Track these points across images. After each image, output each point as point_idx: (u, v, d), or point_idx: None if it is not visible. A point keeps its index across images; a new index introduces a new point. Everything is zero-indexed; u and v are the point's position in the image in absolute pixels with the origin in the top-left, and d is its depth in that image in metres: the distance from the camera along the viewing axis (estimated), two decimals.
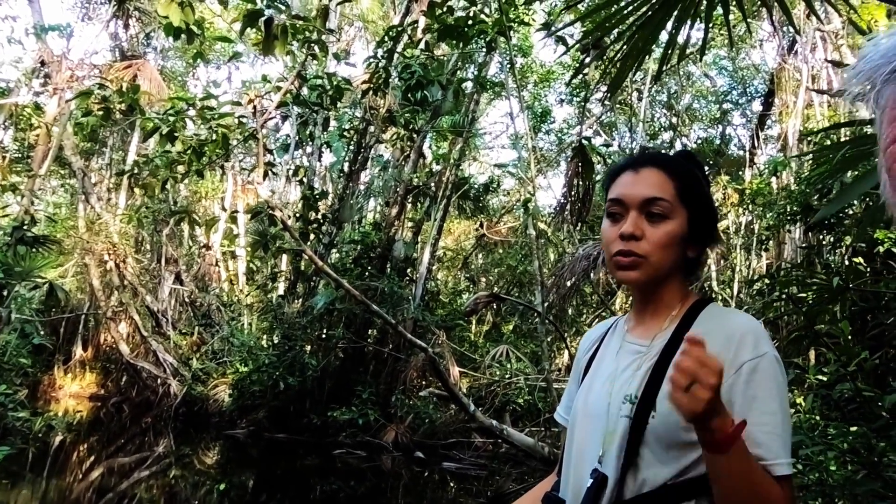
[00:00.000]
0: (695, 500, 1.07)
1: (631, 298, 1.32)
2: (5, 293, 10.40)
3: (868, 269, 6.66)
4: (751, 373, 1.06)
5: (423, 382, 11.20)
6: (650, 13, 2.76)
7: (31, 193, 12.15)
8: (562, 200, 6.81)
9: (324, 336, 10.77)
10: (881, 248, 6.93)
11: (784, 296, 7.84)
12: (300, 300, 11.71)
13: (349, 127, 12.87)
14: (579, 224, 7.75)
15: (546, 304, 8.59)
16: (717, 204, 11.46)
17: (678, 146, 14.07)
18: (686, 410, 0.93)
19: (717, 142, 13.96)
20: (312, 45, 6.41)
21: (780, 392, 1.07)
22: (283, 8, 5.59)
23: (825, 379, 5.56)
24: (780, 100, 10.92)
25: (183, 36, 4.96)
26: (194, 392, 12.04)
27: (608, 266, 1.24)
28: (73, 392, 14.77)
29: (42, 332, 13.89)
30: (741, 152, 12.35)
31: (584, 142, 5.89)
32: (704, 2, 2.65)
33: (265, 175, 7.41)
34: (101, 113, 5.93)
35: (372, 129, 12.42)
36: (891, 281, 6.16)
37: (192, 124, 6.43)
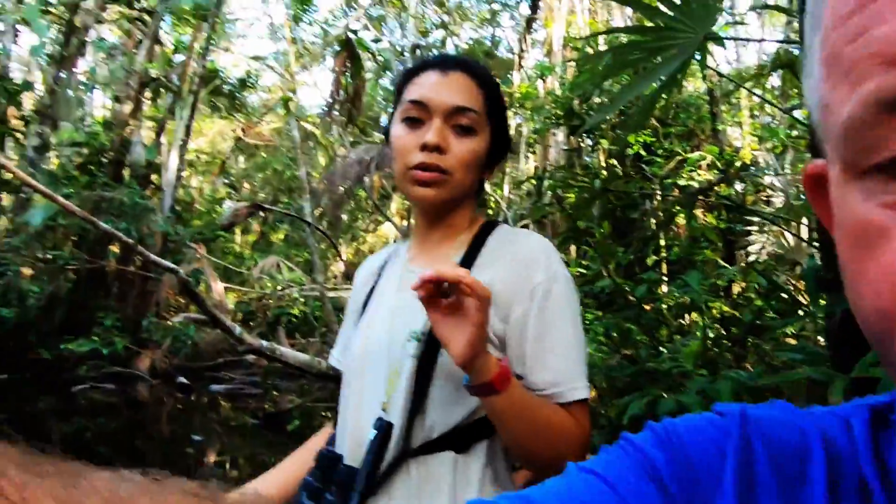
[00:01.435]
0: (487, 441, 1.05)
1: (412, 215, 1.23)
2: None
3: (620, 170, 7.73)
4: (544, 296, 1.05)
5: (182, 301, 10.62)
6: None
7: None
8: (329, 99, 6.71)
9: (48, 258, 9.57)
10: (631, 151, 8.07)
11: (550, 196, 8.80)
12: (9, 216, 10.19)
13: (55, 1, 11.11)
14: (350, 125, 7.73)
15: (318, 212, 8.57)
16: None
17: (450, 45, 14.49)
18: (464, 346, 0.91)
19: (488, 44, 14.68)
20: None
21: (574, 313, 1.08)
22: None
23: (586, 272, 6.43)
24: (545, 4, 11.73)
25: None
26: None
27: (400, 178, 1.13)
28: None
29: None
30: (510, 55, 13.15)
31: (351, 36, 5.79)
32: None
33: None
34: None
35: (88, 4, 10.84)
36: (638, 181, 7.24)
37: None
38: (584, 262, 6.94)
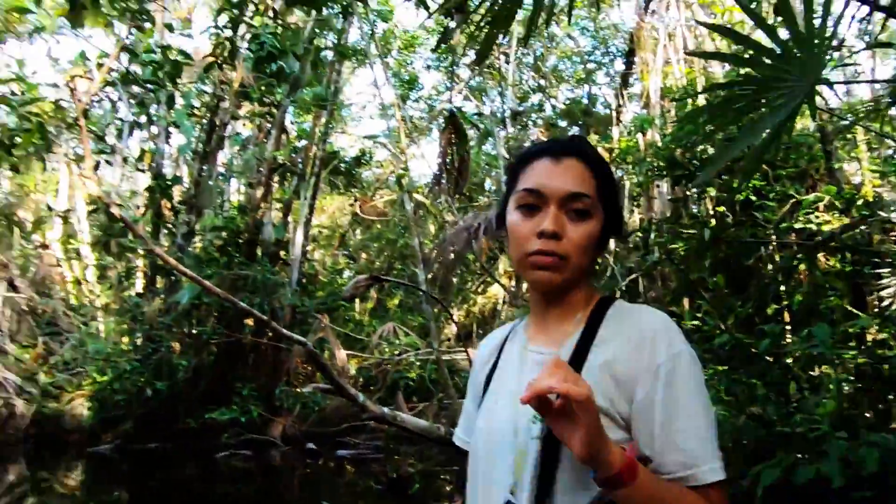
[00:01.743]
0: None
1: (521, 281, 1.24)
2: None
3: (731, 218, 7.27)
4: (669, 376, 1.02)
5: (309, 369, 10.97)
6: None
7: None
8: (437, 172, 6.82)
9: (193, 333, 10.21)
10: (740, 196, 7.59)
11: (658, 249, 8.40)
12: (161, 297, 11.01)
13: (198, 104, 12.13)
14: (457, 194, 7.83)
15: (429, 277, 8.65)
16: None
17: (547, 108, 14.56)
18: (581, 446, 0.90)
19: (585, 101, 14.61)
20: (135, 15, 5.86)
21: (701, 390, 1.04)
22: None
23: (700, 325, 6.01)
24: (640, 58, 11.55)
25: None
26: (46, 410, 11.03)
27: (518, 263, 1.14)
28: None
29: None
30: (607, 111, 12.99)
31: (454, 111, 5.89)
32: None
33: (96, 166, 6.77)
34: None
35: (225, 104, 11.77)
36: (750, 228, 6.78)
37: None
38: (699, 315, 6.53)
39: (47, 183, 15.80)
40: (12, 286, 13.84)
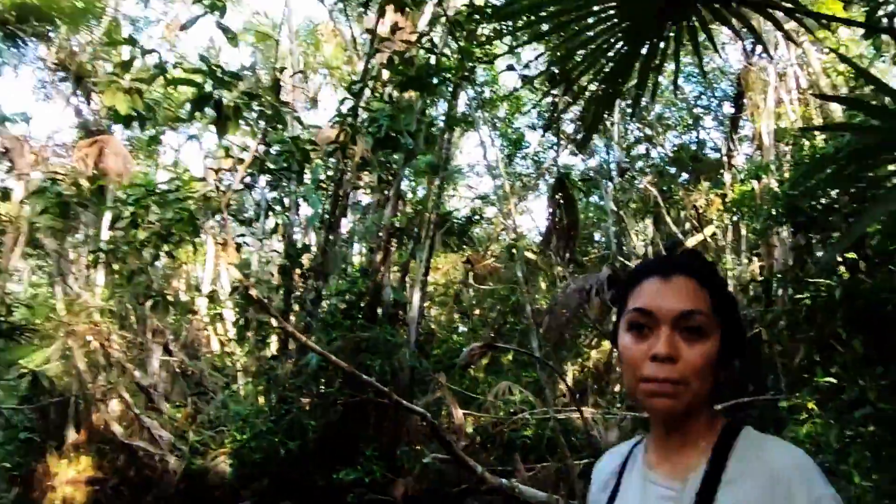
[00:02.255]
0: None
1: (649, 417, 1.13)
2: None
3: (862, 266, 6.58)
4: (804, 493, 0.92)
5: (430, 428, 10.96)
6: (619, 52, 2.70)
7: (3, 282, 11.91)
8: (546, 232, 6.75)
9: (321, 393, 10.53)
10: (872, 242, 6.88)
11: (783, 300, 7.75)
12: (293, 359, 11.47)
13: (324, 177, 12.80)
14: (567, 253, 7.68)
15: (542, 332, 8.45)
16: (701, 211, 11.48)
17: (654, 155, 14.11)
18: None
19: (693, 147, 14.03)
20: (271, 118, 6.34)
21: None
22: (234, 86, 5.50)
23: (835, 383, 5.41)
24: (749, 101, 10.99)
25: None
26: (194, 466, 11.71)
27: (633, 388, 1.05)
28: (69, 478, 14.25)
29: (30, 421, 13.57)
30: (717, 155, 12.39)
31: (563, 177, 5.83)
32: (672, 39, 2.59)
33: (238, 248, 7.28)
34: (56, 211, 5.82)
35: (347, 177, 12.35)
36: (886, 276, 6.08)
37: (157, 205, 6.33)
38: (833, 371, 5.91)
39: (197, 253, 17.14)
40: (167, 350, 15.01)
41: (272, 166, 7.44)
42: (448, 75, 6.48)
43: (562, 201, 6.53)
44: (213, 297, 11.45)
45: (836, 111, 8.35)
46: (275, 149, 7.45)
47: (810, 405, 6.18)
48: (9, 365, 11.45)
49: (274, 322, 8.55)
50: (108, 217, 14.83)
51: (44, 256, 16.26)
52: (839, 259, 7.25)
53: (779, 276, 7.50)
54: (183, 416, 13.40)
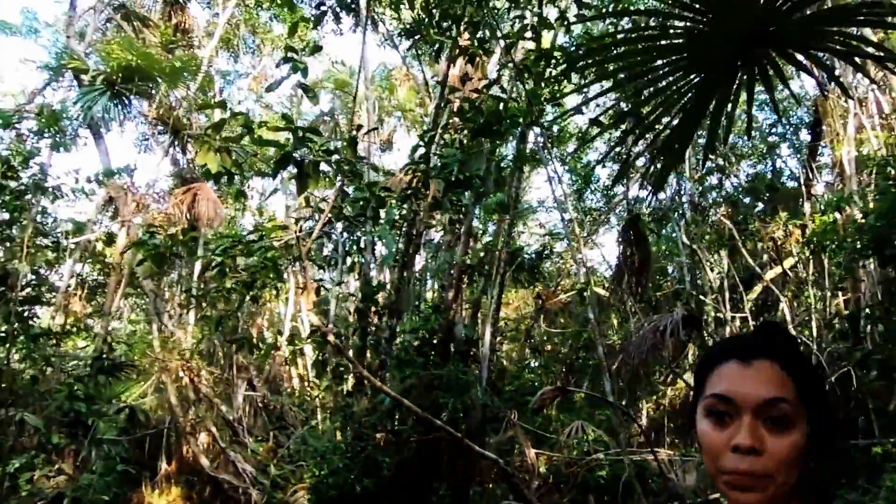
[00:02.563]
0: None
1: None
2: (90, 422, 10.61)
3: None
4: None
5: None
6: (690, 100, 2.65)
7: (107, 322, 12.68)
8: (617, 272, 6.61)
9: (395, 431, 10.55)
10: None
11: (869, 335, 7.23)
12: (368, 396, 11.58)
13: (397, 217, 13.06)
14: (639, 292, 7.48)
15: (615, 371, 8.20)
16: (779, 242, 10.95)
17: (728, 187, 13.61)
18: None
19: (769, 176, 13.44)
20: (346, 173, 6.58)
21: None
22: (313, 143, 5.74)
23: None
24: (828, 128, 10.49)
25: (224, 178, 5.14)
26: (274, 500, 11.93)
27: (714, 479, 0.99)
28: None
29: (126, 453, 14.26)
30: (795, 184, 11.81)
31: (635, 218, 5.72)
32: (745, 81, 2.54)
33: (317, 291, 7.48)
34: (155, 260, 6.22)
35: (420, 217, 12.54)
36: None
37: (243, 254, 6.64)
38: None
39: (279, 294, 17.72)
40: (251, 385, 15.51)
41: (349, 213, 7.67)
42: (517, 120, 6.53)
43: (633, 239, 6.38)
44: (292, 337, 11.77)
45: None
46: (351, 196, 7.70)
47: None
48: (109, 399, 12.10)
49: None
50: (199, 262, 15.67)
51: (141, 295, 17.26)
52: None
53: (867, 311, 7.02)
54: (265, 450, 13.75)
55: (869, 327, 7.28)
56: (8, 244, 9.14)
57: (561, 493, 9.79)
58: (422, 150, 7.49)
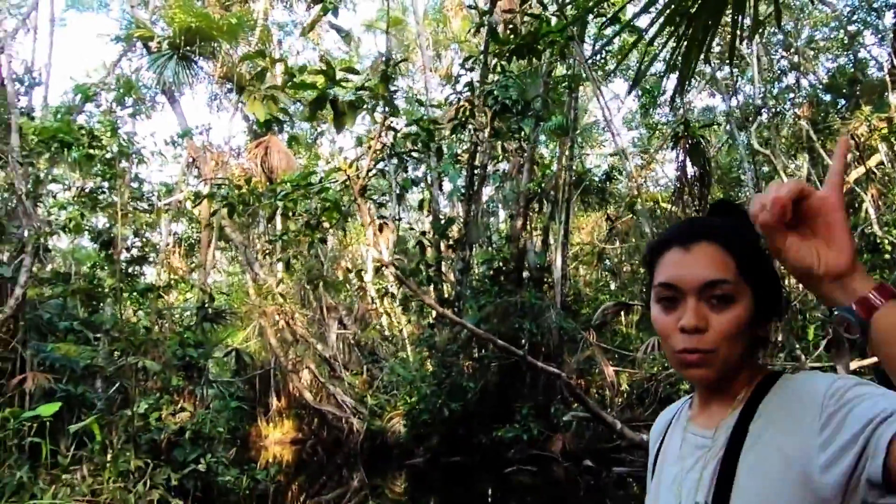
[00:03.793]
0: None
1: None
2: (202, 365, 11.59)
3: None
4: (838, 402, 0.87)
5: (582, 382, 11.05)
6: None
7: (205, 275, 13.63)
8: (676, 184, 6.47)
9: (477, 357, 10.98)
10: None
11: None
12: (449, 326, 12.04)
13: (461, 151, 13.09)
14: (702, 203, 7.30)
15: None
16: (863, 139, 10.20)
17: (805, 84, 12.69)
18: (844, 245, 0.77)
19: (851, 69, 12.38)
20: (384, 108, 6.65)
21: (883, 390, 0.85)
22: (348, 83, 5.84)
23: None
24: None
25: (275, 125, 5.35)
26: (373, 427, 12.75)
27: (670, 359, 1.06)
28: (276, 439, 16.17)
29: (240, 391, 15.54)
30: (881, 74, 10.85)
31: (685, 125, 5.55)
32: None
33: (380, 228, 7.75)
34: (225, 210, 6.63)
35: (481, 148, 12.54)
36: None
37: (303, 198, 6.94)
38: None
39: (359, 234, 18.31)
40: (342, 324, 16.38)
41: (400, 150, 7.82)
42: (556, 38, 6.34)
43: (689, 149, 6.19)
44: (359, 274, 12.21)
45: None
46: (401, 131, 7.81)
47: None
48: (215, 345, 13.16)
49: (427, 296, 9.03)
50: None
51: (233, 248, 18.32)
52: None
53: None
54: (361, 382, 14.64)
55: None
56: (109, 211, 9.92)
57: (644, 407, 9.97)
58: (466, 79, 7.45)
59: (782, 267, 0.85)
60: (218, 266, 20.69)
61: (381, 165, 8.22)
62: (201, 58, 14.65)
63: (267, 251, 15.22)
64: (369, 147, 7.82)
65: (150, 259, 12.78)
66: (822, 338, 7.45)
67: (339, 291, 13.66)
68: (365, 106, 6.23)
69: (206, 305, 12.52)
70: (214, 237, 13.72)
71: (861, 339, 0.78)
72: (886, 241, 8.57)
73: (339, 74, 6.16)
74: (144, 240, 12.28)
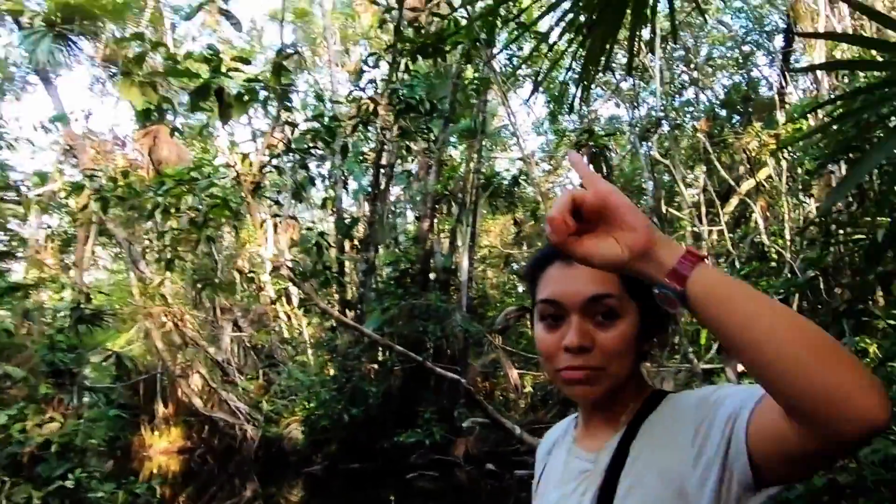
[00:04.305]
0: None
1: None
2: (75, 371, 10.69)
3: None
4: (704, 412, 0.86)
5: (487, 385, 11.10)
6: None
7: (81, 273, 12.60)
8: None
9: (381, 360, 10.78)
10: None
11: (839, 240, 7.35)
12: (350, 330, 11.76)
13: (367, 149, 12.86)
14: None
15: None
16: (754, 154, 10.92)
17: (703, 99, 13.45)
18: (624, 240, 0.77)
19: (745, 87, 13.28)
20: (277, 101, 6.37)
21: (742, 386, 0.88)
22: (236, 71, 5.53)
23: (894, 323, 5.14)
24: (801, 32, 10.29)
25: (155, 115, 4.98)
26: (269, 434, 12.27)
27: (553, 378, 1.02)
28: (162, 448, 15.23)
29: (122, 398, 14.50)
30: (771, 93, 11.70)
31: (590, 135, 5.62)
32: None
33: (275, 227, 7.42)
34: (98, 204, 6.06)
35: (388, 147, 12.35)
36: None
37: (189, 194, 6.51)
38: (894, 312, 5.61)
39: (256, 234, 17.60)
40: (237, 326, 15.65)
41: (298, 146, 7.51)
42: (461, 39, 6.32)
43: (588, 157, 6.31)
44: (250, 276, 11.71)
45: None
46: (302, 127, 7.52)
47: (872, 349, 5.90)
48: (92, 348, 12.18)
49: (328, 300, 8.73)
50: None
51: (118, 245, 17.10)
52: None
53: (834, 216, 7.10)
54: (256, 387, 14.02)
55: (840, 232, 7.38)
56: None
57: (546, 409, 10.12)
58: (370, 76, 7.29)
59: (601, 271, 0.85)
60: (99, 263, 19.29)
61: (277, 162, 7.84)
62: (82, 37, 13.59)
63: (151, 249, 14.30)
64: (269, 145, 7.46)
65: (18, 254, 11.67)
66: (714, 341, 7.84)
67: (230, 293, 12.99)
68: (256, 99, 5.90)
69: (82, 306, 11.56)
70: (93, 232, 12.71)
71: (683, 310, 0.78)
72: (773, 250, 9.15)
73: (231, 64, 5.80)
74: (11, 233, 11.19)
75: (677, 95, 12.94)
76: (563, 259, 0.99)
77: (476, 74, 11.08)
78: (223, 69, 5.50)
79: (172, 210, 6.06)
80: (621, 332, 0.95)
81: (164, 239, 7.15)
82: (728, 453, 0.82)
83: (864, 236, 6.12)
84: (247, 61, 5.85)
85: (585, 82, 2.71)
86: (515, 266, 15.09)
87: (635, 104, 13.02)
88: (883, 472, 3.58)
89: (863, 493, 3.76)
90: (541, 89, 15.11)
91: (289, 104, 6.72)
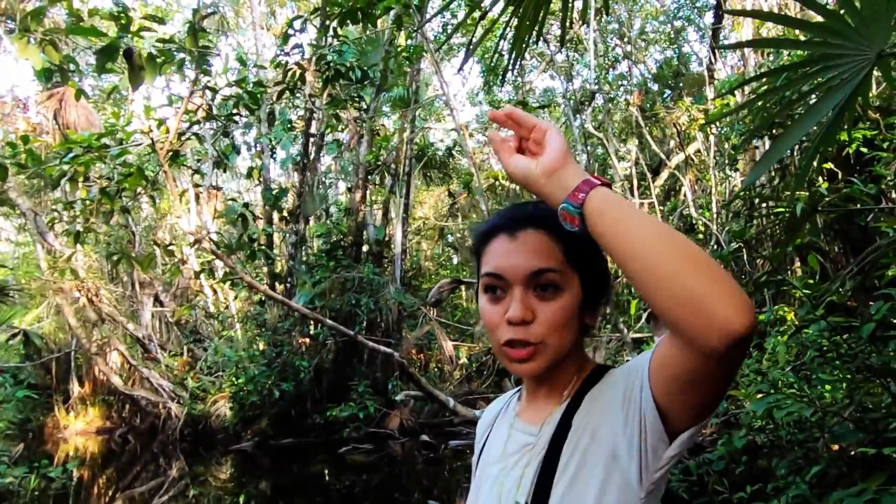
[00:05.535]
0: None
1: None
2: None
3: (842, 175, 6.55)
4: (631, 376, 0.92)
5: (422, 357, 11.19)
6: None
7: None
8: None
9: (311, 335, 10.66)
10: (850, 150, 6.81)
11: (762, 213, 7.75)
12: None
13: (296, 117, 12.52)
14: None
15: None
16: (683, 128, 11.32)
17: (636, 73, 13.77)
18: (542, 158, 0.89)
19: (676, 62, 13.67)
20: (195, 65, 6.08)
21: None
22: (149, 31, 5.22)
23: (809, 293, 5.46)
24: (730, 9, 10.63)
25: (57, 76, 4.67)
26: (195, 412, 11.99)
27: (496, 352, 1.03)
28: (79, 430, 14.66)
29: (32, 378, 13.81)
30: (701, 69, 12.10)
31: (524, 106, 5.65)
32: None
33: (197, 198, 7.14)
34: None
35: (317, 115, 12.06)
36: (860, 185, 6.05)
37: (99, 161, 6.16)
38: (811, 282, 5.97)
39: (179, 204, 16.91)
40: (158, 301, 15.12)
41: (220, 113, 7.22)
42: (392, 5, 6.20)
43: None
44: (168, 248, 11.29)
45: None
46: (223, 93, 7.22)
47: (789, 316, 6.26)
48: None
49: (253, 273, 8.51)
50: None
51: (22, 216, 16.10)
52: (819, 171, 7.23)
53: (758, 190, 7.46)
54: (180, 364, 13.63)
55: (764, 206, 7.76)
56: None
57: (481, 380, 10.31)
58: (295, 40, 7.07)
59: (510, 179, 0.95)
60: (1, 235, 18.14)
61: (197, 129, 7.51)
62: None
63: (59, 220, 13.50)
64: (189, 110, 7.12)
65: None
66: (644, 310, 8.16)
67: (149, 266, 12.48)
68: (171, 62, 5.59)
69: None
70: None
71: (581, 228, 0.84)
72: (700, 222, 9.54)
73: (142, 24, 5.47)
74: None
75: (611, 69, 13.18)
76: (507, 232, 1.01)
77: (409, 42, 10.92)
78: (134, 28, 5.18)
79: (81, 179, 5.70)
80: (562, 306, 0.97)
81: (74, 209, 6.73)
82: (641, 405, 0.87)
83: (784, 209, 6.48)
84: (161, 20, 5.53)
85: (515, 52, 2.72)
86: (451, 238, 15.18)
87: (569, 76, 13.20)
88: (796, 433, 3.84)
89: (778, 453, 4.03)
90: (475, 59, 15.08)
91: (208, 68, 6.41)
